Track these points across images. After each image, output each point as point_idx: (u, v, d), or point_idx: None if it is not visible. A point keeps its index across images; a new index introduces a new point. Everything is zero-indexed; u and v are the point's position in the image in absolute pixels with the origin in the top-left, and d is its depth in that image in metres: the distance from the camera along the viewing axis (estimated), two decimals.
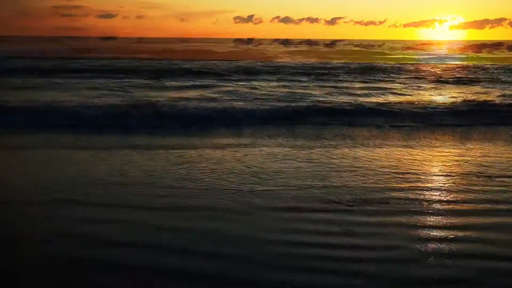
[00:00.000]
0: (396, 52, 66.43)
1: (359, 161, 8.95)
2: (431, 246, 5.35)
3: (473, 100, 16.82)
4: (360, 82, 24.62)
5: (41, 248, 5.27)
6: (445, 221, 6.07)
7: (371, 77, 27.05)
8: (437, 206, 6.61)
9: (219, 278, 4.65)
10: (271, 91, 19.83)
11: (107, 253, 5.14)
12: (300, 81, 24.56)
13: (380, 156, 9.35)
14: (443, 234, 5.67)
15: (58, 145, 10.25)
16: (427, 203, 6.69)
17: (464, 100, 16.74)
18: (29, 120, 12.39)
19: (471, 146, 10.42)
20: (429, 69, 34.07)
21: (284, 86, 21.70)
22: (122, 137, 11.30)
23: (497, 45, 75.42)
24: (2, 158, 9.47)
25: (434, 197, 6.99)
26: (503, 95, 18.96)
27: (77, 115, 13.12)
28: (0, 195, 7.05)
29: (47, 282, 4.62)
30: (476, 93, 20.15)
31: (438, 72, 31.55)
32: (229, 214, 6.24)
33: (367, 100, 17.28)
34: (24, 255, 5.15)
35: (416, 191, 7.18)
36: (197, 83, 23.01)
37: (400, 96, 18.93)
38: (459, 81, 25.72)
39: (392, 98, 18.13)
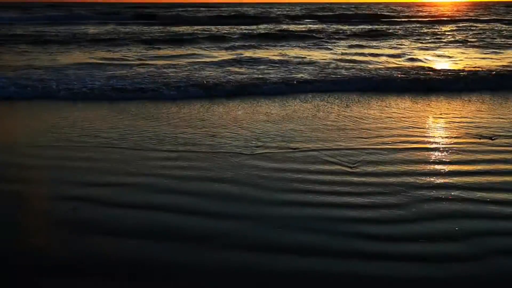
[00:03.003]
0: None
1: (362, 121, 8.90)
2: (433, 205, 5.34)
3: None
4: None
5: None
6: (447, 180, 6.04)
7: None
8: (439, 166, 6.59)
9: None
10: None
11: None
12: None
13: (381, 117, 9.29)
14: (445, 193, 5.65)
15: None
16: (429, 164, 6.67)
17: None
18: None
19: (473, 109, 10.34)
20: None
21: None
22: None
23: None
24: None
25: (436, 157, 6.97)
26: None
27: None
28: None
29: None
30: None
31: None
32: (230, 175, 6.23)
33: None
34: None
35: (418, 152, 7.16)
36: None
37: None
38: None
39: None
